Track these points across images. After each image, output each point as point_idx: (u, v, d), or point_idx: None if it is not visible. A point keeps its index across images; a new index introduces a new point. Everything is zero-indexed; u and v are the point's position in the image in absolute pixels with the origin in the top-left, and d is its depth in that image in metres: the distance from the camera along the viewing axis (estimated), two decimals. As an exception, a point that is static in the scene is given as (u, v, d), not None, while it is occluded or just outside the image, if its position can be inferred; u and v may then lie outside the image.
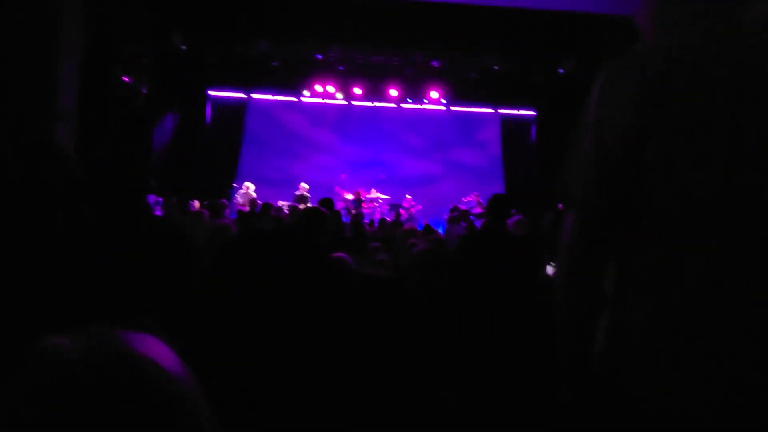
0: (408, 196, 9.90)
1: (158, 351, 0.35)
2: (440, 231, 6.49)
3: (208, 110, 10.81)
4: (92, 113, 5.76)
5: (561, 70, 9.17)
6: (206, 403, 0.36)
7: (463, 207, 9.17)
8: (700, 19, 0.82)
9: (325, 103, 10.92)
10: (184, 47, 8.73)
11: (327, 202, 4.97)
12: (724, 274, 0.76)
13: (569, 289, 0.84)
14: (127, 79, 6.96)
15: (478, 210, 8.87)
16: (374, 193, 9.87)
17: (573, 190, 0.84)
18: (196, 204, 6.89)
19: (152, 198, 7.37)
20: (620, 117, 0.79)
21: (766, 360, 0.73)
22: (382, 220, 7.87)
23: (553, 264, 2.79)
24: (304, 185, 9.37)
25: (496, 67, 9.46)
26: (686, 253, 0.78)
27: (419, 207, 9.82)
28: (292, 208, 7.56)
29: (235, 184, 9.89)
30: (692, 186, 0.77)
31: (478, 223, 7.46)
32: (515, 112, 11.20)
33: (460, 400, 0.84)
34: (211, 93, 10.74)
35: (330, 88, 10.30)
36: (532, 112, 11.09)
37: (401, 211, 9.28)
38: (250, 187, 8.99)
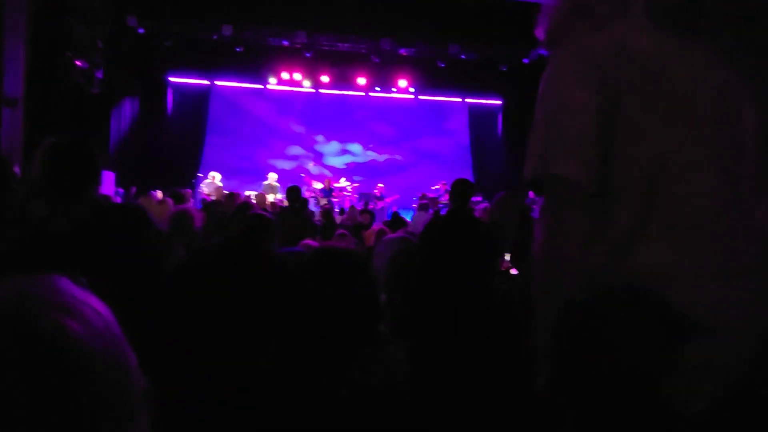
0: (380, 185, 9.85)
1: (80, 307, 0.32)
2: (408, 219, 6.53)
3: (169, 97, 10.41)
4: (43, 98, 5.45)
5: (526, 60, 9.31)
6: (137, 375, 0.33)
7: (431, 195, 9.23)
8: (629, 10, 0.91)
9: (292, 90, 10.72)
10: (141, 30, 8.34)
11: (294, 191, 4.90)
12: (693, 237, 0.82)
13: (555, 262, 0.87)
14: (80, 63, 6.60)
15: (445, 198, 8.95)
16: (343, 182, 9.80)
17: (553, 169, 0.86)
18: (159, 194, 6.65)
19: (112, 189, 7.05)
20: (587, 101, 0.85)
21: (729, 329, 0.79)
22: (352, 208, 7.83)
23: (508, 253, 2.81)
24: (272, 175, 9.21)
25: (463, 56, 9.52)
26: (657, 221, 0.83)
27: (396, 197, 9.77)
28: (259, 199, 7.41)
29: (199, 174, 9.61)
30: (659, 154, 0.84)
31: (445, 212, 7.52)
32: (482, 101, 11.33)
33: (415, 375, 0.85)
34: (172, 79, 10.34)
35: (297, 76, 10.10)
36: (498, 102, 11.25)
37: (374, 200, 9.22)
38: (216, 177, 8.76)
